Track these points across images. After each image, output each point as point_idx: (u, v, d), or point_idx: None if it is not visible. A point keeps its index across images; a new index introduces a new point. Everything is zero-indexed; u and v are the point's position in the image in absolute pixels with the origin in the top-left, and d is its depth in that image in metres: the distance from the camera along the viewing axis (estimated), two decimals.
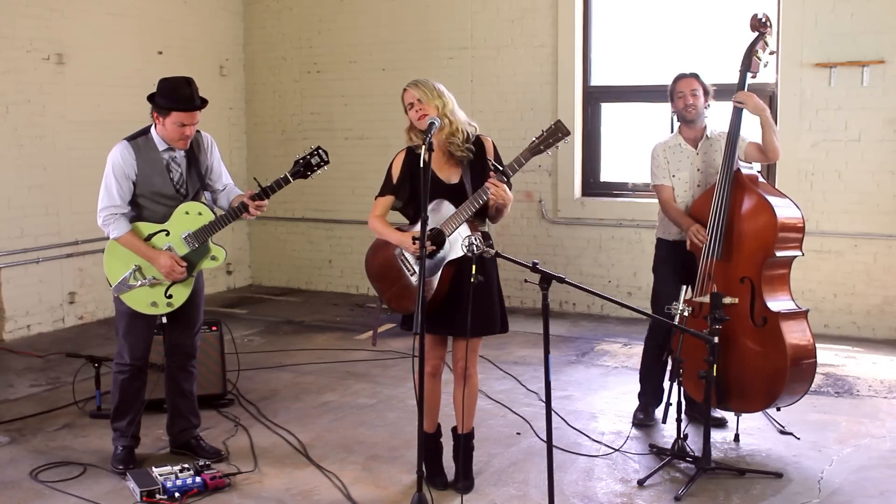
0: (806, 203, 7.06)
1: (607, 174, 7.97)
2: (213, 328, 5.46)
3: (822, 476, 4.34)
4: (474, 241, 3.63)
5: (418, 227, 4.03)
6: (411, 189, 4.10)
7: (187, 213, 4.39)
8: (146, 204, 4.40)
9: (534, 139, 3.96)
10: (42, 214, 7.41)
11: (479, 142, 4.13)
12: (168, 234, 4.38)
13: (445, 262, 4.01)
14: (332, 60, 8.90)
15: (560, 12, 7.81)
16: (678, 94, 4.92)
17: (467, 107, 8.99)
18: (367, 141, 8.71)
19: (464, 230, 3.96)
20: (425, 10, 8.39)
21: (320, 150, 4.38)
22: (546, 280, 3.54)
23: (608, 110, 7.91)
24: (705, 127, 4.99)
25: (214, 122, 8.94)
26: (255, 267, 9.64)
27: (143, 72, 8.04)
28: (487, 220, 4.13)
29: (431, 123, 3.87)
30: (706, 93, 4.93)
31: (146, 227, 4.39)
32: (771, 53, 4.89)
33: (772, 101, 7.18)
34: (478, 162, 4.08)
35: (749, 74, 4.81)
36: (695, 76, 4.93)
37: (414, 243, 3.95)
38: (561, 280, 3.55)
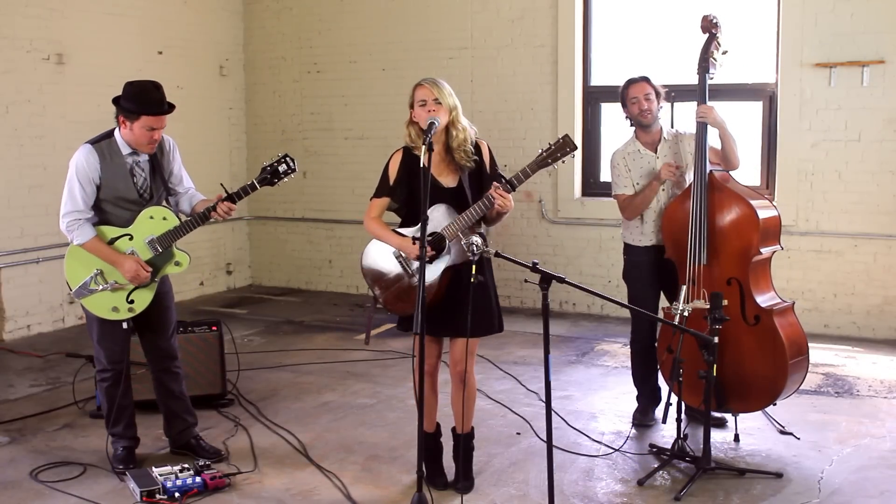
0: (806, 203, 7.07)
1: (607, 174, 7.95)
2: (213, 328, 5.45)
3: (822, 476, 4.34)
4: (475, 242, 3.63)
5: (415, 230, 4.04)
6: (408, 190, 4.08)
7: (151, 217, 4.36)
8: (109, 209, 4.37)
9: (541, 151, 3.94)
10: (42, 214, 7.40)
11: (476, 146, 4.11)
12: (131, 239, 4.35)
13: (445, 266, 4.00)
14: (332, 60, 8.91)
15: (560, 12, 7.81)
16: (632, 100, 4.89)
17: (467, 107, 8.97)
18: (367, 141, 8.71)
19: (464, 236, 3.96)
20: (425, 10, 8.39)
21: (287, 158, 4.37)
22: (546, 280, 3.54)
23: (608, 110, 7.90)
24: (661, 129, 4.99)
25: (214, 122, 8.96)
26: (255, 267, 9.64)
27: (143, 72, 7.96)
28: (483, 223, 4.12)
29: (431, 123, 3.86)
30: (658, 95, 4.92)
31: (109, 231, 4.35)
32: (724, 53, 4.88)
33: (772, 101, 7.19)
34: (476, 166, 4.08)
35: (707, 76, 4.82)
36: (646, 80, 4.93)
37: (414, 243, 3.95)
38: (561, 280, 3.55)
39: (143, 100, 4.24)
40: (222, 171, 9.03)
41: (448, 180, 4.07)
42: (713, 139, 4.81)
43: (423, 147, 3.74)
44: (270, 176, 4.36)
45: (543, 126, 7.98)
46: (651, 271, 4.98)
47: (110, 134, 4.38)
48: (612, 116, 7.92)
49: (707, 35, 4.84)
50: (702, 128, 4.74)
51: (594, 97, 7.91)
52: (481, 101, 8.18)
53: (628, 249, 5.10)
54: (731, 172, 4.85)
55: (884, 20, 6.70)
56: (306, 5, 8.98)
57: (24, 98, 7.26)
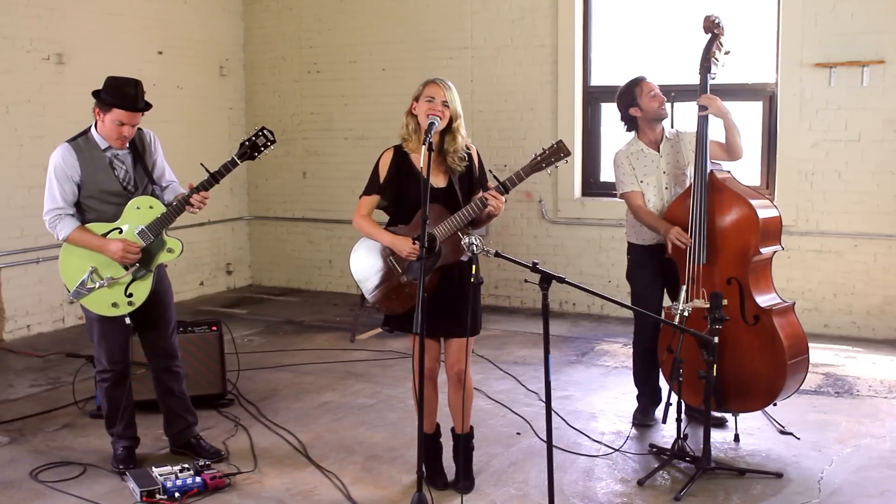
0: (806, 203, 7.07)
1: (607, 174, 7.96)
2: (213, 328, 5.46)
3: (822, 476, 4.34)
4: (474, 242, 3.63)
5: (404, 228, 4.05)
6: (398, 189, 4.09)
7: (138, 207, 4.35)
8: (95, 205, 4.36)
9: (535, 155, 3.95)
10: (42, 214, 7.38)
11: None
12: (122, 232, 4.34)
13: (434, 267, 4.00)
14: (332, 60, 8.91)
15: (560, 12, 7.81)
16: (651, 95, 4.90)
17: (467, 107, 8.95)
18: (367, 141, 8.70)
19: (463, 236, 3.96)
20: (425, 10, 8.39)
21: (266, 131, 4.35)
22: (546, 280, 3.54)
23: (608, 110, 7.89)
24: (663, 128, 5.00)
25: (214, 122, 8.95)
26: (255, 267, 9.64)
27: (143, 72, 7.98)
28: (472, 226, 4.11)
29: (431, 124, 3.87)
30: None
31: (99, 227, 4.34)
32: (726, 53, 4.88)
33: (772, 101, 7.19)
34: (466, 168, 4.10)
35: (709, 76, 4.82)
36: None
37: (414, 243, 3.95)
38: (561, 280, 3.55)
39: (118, 93, 4.25)
40: None
41: (438, 180, 4.07)
42: (715, 132, 4.81)
43: (423, 147, 3.74)
44: (250, 150, 4.35)
45: (543, 126, 7.98)
46: (653, 270, 4.98)
47: (87, 130, 4.40)
48: (613, 116, 7.92)
49: (709, 35, 4.84)
50: (703, 122, 4.74)
51: (594, 97, 7.91)
52: (481, 101, 8.18)
53: (631, 248, 5.11)
54: (731, 172, 4.85)
55: (884, 20, 6.70)
56: (306, 5, 8.98)
57: (24, 98, 7.26)
